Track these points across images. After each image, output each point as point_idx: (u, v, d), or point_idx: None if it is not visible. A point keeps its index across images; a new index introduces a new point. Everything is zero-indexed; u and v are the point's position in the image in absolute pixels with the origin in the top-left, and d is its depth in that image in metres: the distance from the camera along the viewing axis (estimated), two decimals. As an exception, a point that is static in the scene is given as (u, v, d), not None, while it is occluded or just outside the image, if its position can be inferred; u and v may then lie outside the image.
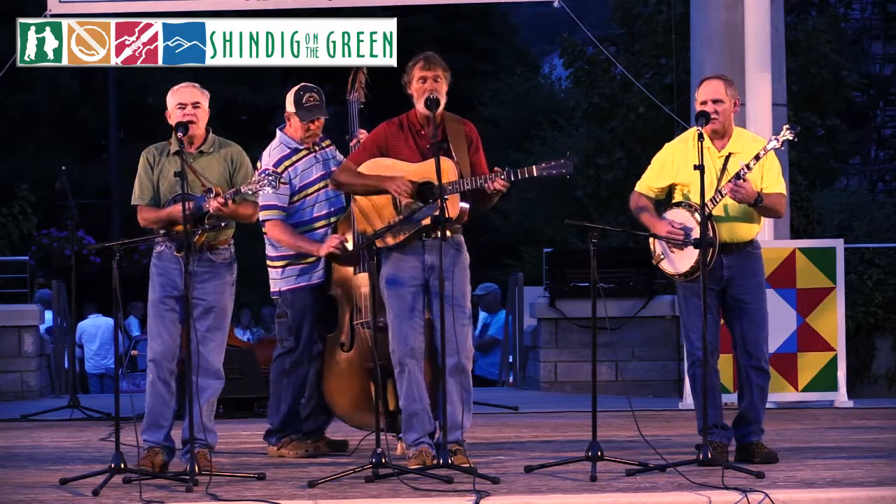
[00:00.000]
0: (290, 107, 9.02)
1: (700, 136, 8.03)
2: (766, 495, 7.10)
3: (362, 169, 8.29)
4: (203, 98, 8.21)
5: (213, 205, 7.97)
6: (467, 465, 8.06)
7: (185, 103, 8.15)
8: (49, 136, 30.80)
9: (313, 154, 9.02)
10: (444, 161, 8.09)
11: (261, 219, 8.81)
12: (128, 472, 7.68)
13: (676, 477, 7.57)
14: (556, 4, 12.42)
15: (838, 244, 12.13)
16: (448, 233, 8.05)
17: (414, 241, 8.18)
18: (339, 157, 9.15)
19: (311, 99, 8.98)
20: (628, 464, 7.85)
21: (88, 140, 32.18)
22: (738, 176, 8.09)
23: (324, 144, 9.12)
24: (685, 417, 11.04)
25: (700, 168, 7.96)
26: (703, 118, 8.16)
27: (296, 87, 9.03)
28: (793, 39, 18.39)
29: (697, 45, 13.13)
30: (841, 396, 11.95)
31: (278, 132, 9.07)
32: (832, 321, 11.90)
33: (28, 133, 30.36)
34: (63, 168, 12.46)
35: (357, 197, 8.42)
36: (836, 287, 11.90)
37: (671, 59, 18.02)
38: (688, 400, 11.92)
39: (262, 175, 8.07)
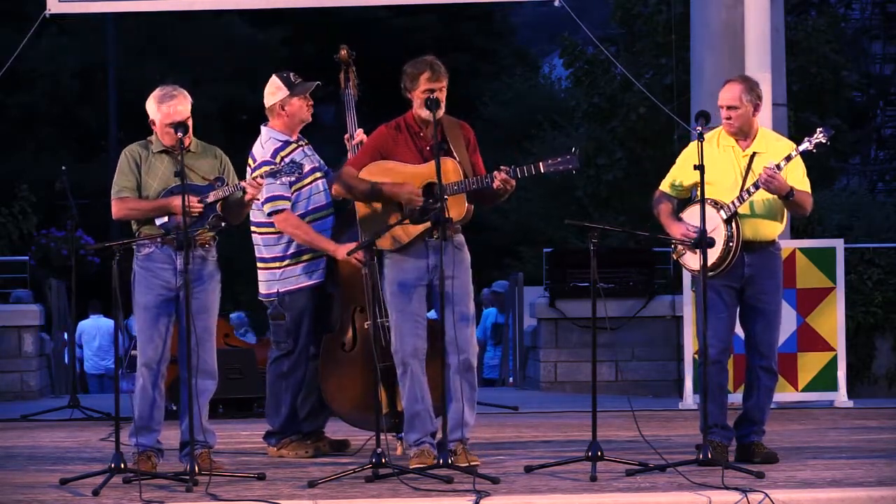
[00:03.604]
0: (277, 95, 8.95)
1: (700, 137, 8.03)
2: (766, 495, 7.10)
3: (364, 173, 8.29)
4: (188, 106, 8.15)
5: (253, 185, 8.02)
6: (476, 463, 8.11)
7: (177, 122, 8.11)
8: (49, 136, 30.81)
9: (301, 148, 9.01)
10: (448, 161, 8.14)
11: (268, 211, 8.80)
12: (128, 472, 7.68)
13: (676, 477, 7.57)
14: (556, 3, 12.42)
15: (838, 244, 12.14)
16: (450, 233, 8.09)
17: (417, 242, 8.19)
18: (317, 156, 9.14)
19: (297, 77, 9.01)
20: (628, 464, 7.85)
21: (88, 140, 32.18)
22: (778, 167, 8.10)
23: (303, 143, 9.10)
24: (685, 417, 11.05)
25: (700, 168, 7.97)
26: (704, 118, 8.17)
27: (272, 78, 9.01)
28: (793, 39, 18.40)
29: (697, 45, 13.13)
30: (841, 396, 11.95)
31: (263, 128, 9.03)
32: (832, 321, 11.90)
33: (28, 133, 30.37)
34: (63, 168, 12.45)
35: (357, 203, 8.42)
36: (836, 287, 11.90)
37: (671, 59, 18.03)
38: (688, 400, 11.93)
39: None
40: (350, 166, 8.40)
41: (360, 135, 8.99)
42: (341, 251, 8.62)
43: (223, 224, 8.13)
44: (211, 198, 8.02)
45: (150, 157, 8.20)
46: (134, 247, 8.16)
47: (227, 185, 8.11)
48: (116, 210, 8.18)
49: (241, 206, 8.18)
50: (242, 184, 8.08)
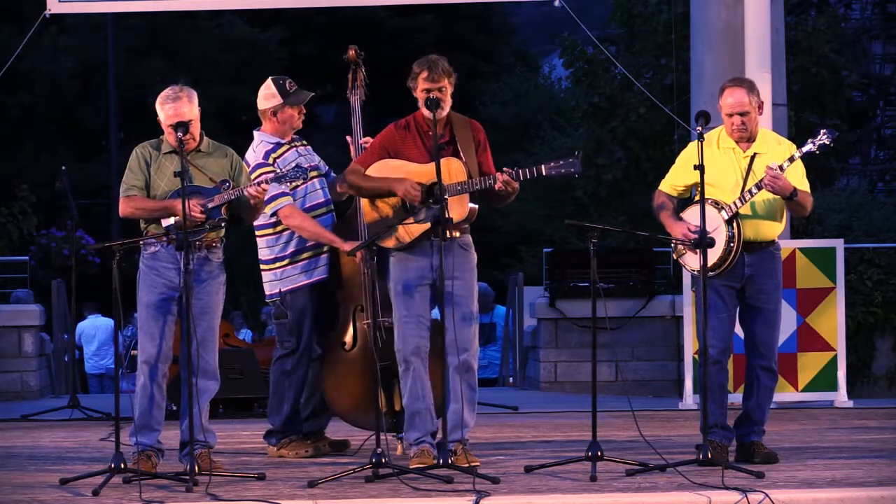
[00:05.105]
0: (270, 101, 8.95)
1: (700, 137, 8.02)
2: (766, 495, 7.10)
3: (371, 171, 8.30)
4: (194, 107, 8.14)
5: (253, 190, 8.01)
6: (476, 463, 8.10)
7: (177, 123, 8.11)
8: (49, 136, 30.79)
9: (294, 148, 9.02)
10: (453, 161, 8.18)
11: (271, 212, 8.79)
12: (128, 472, 7.68)
13: (676, 477, 7.57)
14: (556, 3, 12.42)
15: (838, 244, 12.13)
16: (456, 233, 8.15)
17: (422, 241, 8.20)
18: (317, 156, 9.14)
19: (292, 84, 9.01)
20: (628, 464, 7.85)
21: (88, 140, 32.17)
22: (781, 168, 8.11)
23: (298, 143, 9.09)
24: (685, 417, 11.05)
25: (700, 168, 7.97)
26: (703, 118, 8.16)
27: (268, 82, 9.02)
28: (793, 39, 18.39)
29: (697, 45, 13.12)
30: (841, 396, 11.95)
31: (256, 133, 9.04)
32: (832, 321, 11.90)
33: (28, 133, 30.34)
34: (63, 168, 12.45)
35: (364, 200, 8.43)
36: (836, 287, 11.90)
37: (671, 59, 18.02)
38: (688, 400, 11.94)
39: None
40: (357, 164, 8.43)
41: (365, 142, 8.97)
42: (348, 245, 8.66)
43: (223, 225, 8.13)
44: (215, 201, 8.03)
45: (159, 156, 8.22)
46: (141, 245, 8.17)
47: (235, 186, 8.12)
48: (123, 208, 8.20)
49: (252, 208, 8.20)
50: (248, 190, 8.07)
